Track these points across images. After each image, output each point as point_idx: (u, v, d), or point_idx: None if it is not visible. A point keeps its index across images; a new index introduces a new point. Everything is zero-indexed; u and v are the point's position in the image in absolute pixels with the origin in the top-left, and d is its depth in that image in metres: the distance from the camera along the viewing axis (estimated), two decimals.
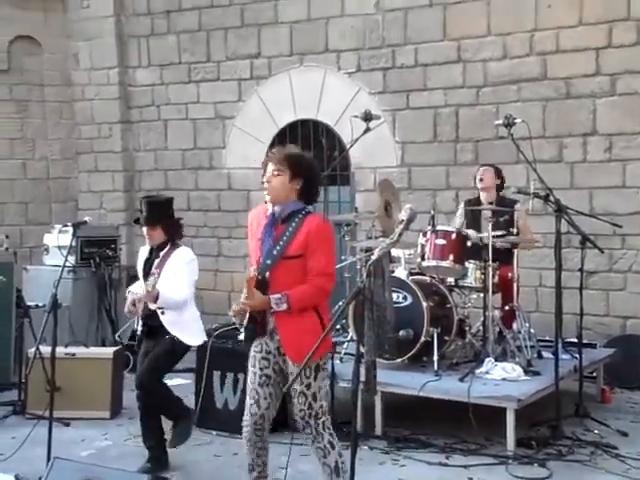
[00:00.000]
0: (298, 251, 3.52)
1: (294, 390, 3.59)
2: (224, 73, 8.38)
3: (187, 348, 4.71)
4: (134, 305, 4.57)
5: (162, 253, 4.64)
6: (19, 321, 6.22)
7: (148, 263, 4.69)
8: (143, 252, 4.79)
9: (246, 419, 3.75)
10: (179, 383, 6.49)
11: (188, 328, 4.65)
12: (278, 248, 3.54)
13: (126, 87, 8.94)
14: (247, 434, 3.76)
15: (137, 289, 4.71)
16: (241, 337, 3.64)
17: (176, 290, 4.50)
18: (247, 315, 3.56)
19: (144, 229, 4.65)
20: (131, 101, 8.95)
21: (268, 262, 3.53)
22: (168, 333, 4.54)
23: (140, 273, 4.75)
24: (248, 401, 3.73)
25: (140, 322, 4.66)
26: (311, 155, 3.90)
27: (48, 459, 3.89)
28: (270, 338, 3.64)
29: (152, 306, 4.48)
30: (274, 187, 3.64)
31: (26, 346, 5.87)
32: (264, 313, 3.58)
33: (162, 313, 4.53)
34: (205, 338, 4.83)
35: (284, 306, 3.49)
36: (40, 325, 4.28)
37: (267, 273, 3.53)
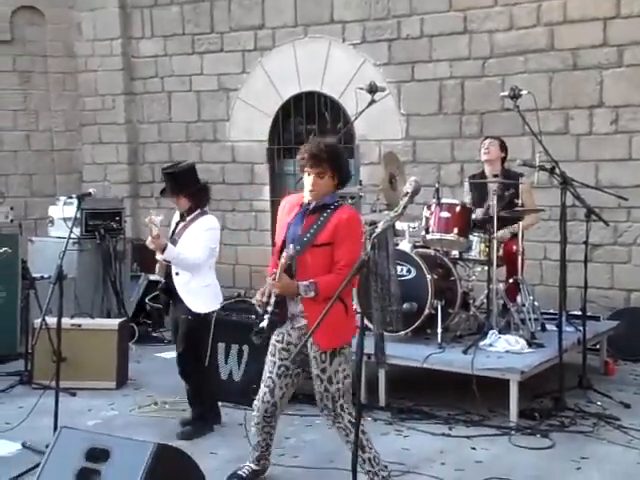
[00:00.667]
0: (327, 239, 3.57)
1: (313, 374, 3.68)
2: (228, 44, 8.32)
3: (205, 315, 4.68)
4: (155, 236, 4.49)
5: (189, 218, 4.68)
6: (25, 292, 6.25)
7: (175, 226, 4.75)
8: (176, 216, 4.84)
9: (257, 405, 3.81)
10: None
11: (198, 294, 4.63)
12: (308, 235, 3.59)
13: (129, 58, 8.89)
14: (256, 418, 3.83)
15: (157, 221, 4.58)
16: (263, 324, 3.62)
17: (190, 251, 4.52)
18: (273, 300, 3.58)
19: (172, 200, 4.69)
20: (134, 72, 8.90)
21: (298, 248, 3.55)
22: (178, 295, 4.57)
23: (169, 235, 4.77)
24: (263, 388, 3.79)
25: (162, 279, 4.71)
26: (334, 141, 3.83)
27: (55, 428, 3.93)
28: (291, 327, 3.69)
29: (159, 257, 4.49)
30: (319, 190, 3.64)
31: (32, 317, 5.91)
32: (285, 300, 3.63)
33: (176, 274, 4.57)
34: (218, 306, 4.81)
35: (312, 293, 3.55)
36: (46, 296, 4.30)
37: (294, 259, 3.56)
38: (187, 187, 4.64)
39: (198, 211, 4.67)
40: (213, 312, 4.75)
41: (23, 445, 4.39)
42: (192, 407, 4.76)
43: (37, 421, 4.50)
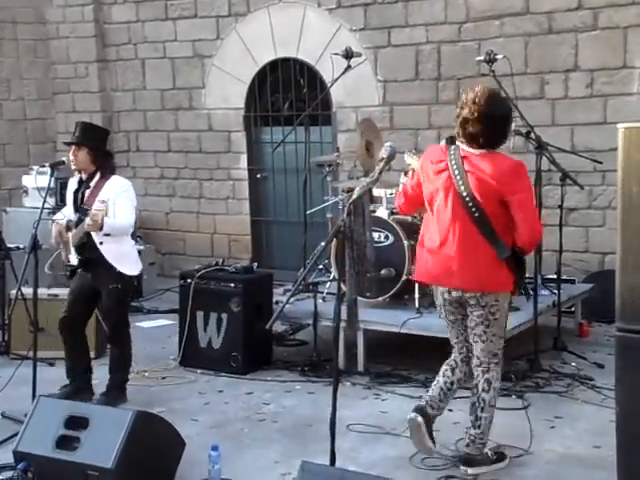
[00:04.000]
0: None
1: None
2: (201, 10, 8.19)
3: (131, 280, 4.69)
4: (60, 235, 4.59)
5: (92, 183, 4.56)
6: (0, 263, 6.20)
7: (77, 194, 4.63)
8: (72, 183, 4.72)
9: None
10: (162, 324, 6.57)
11: (127, 258, 4.63)
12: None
13: (102, 25, 8.73)
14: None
15: (62, 219, 4.69)
16: None
17: (120, 216, 4.46)
18: None
19: (70, 151, 4.55)
20: (107, 39, 8.75)
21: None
22: (108, 264, 4.51)
23: (70, 204, 4.70)
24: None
25: (73, 252, 4.61)
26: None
27: (33, 398, 3.93)
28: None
29: (96, 236, 4.45)
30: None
31: (8, 288, 5.86)
32: None
33: (100, 243, 4.50)
34: (141, 267, 4.82)
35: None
36: (21, 267, 4.27)
37: None
38: (92, 141, 4.55)
39: (99, 176, 4.55)
40: (137, 276, 4.77)
41: (2, 415, 4.39)
42: (113, 374, 4.66)
43: (15, 391, 4.50)
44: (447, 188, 3.59)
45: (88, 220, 4.32)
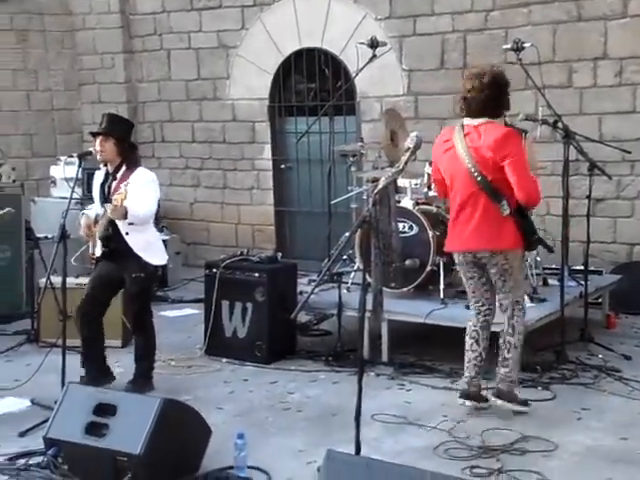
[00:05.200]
0: None
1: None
2: (226, 0, 8.20)
3: (156, 270, 4.73)
4: (89, 228, 4.63)
5: (118, 175, 4.59)
6: (29, 252, 6.29)
7: (104, 187, 4.66)
8: (99, 176, 4.75)
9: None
10: (187, 313, 6.61)
11: (152, 248, 4.66)
12: None
13: (127, 16, 8.78)
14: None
15: (90, 212, 4.75)
16: None
17: (142, 204, 4.47)
18: None
19: (97, 142, 4.57)
20: (133, 30, 8.80)
21: None
22: (134, 254, 4.54)
23: (97, 197, 4.73)
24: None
25: (98, 244, 4.65)
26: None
27: (62, 385, 3.99)
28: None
29: (120, 224, 4.48)
30: None
31: (37, 277, 5.95)
32: None
33: (126, 234, 4.53)
34: (167, 257, 4.85)
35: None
36: (50, 256, 4.32)
37: None
38: (119, 132, 4.58)
39: (125, 168, 4.58)
40: (162, 266, 4.79)
41: (32, 401, 4.45)
42: (139, 363, 4.69)
43: (44, 378, 4.56)
44: (454, 163, 4.03)
45: (110, 206, 4.36)
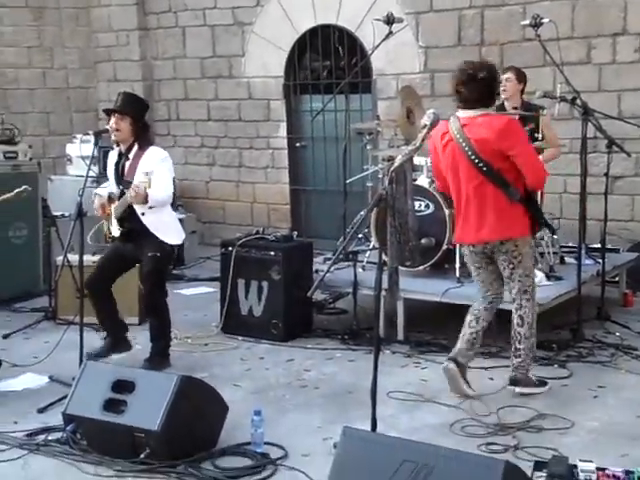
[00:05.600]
0: None
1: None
2: None
3: (172, 250, 4.73)
4: (103, 208, 4.67)
5: (131, 155, 4.60)
6: (46, 230, 6.33)
7: (118, 167, 4.67)
8: (112, 156, 4.76)
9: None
10: (203, 291, 6.64)
11: (169, 228, 4.68)
12: None
13: None
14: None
15: (103, 192, 4.77)
16: None
17: (161, 188, 4.48)
18: None
19: (112, 120, 4.57)
20: (148, 7, 8.77)
21: None
22: (150, 234, 4.56)
23: (111, 177, 4.74)
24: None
25: (115, 224, 4.68)
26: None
27: (80, 362, 4.03)
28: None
29: (138, 207, 4.50)
30: None
31: (54, 255, 6.00)
32: None
33: (142, 214, 4.55)
34: (184, 236, 4.87)
35: None
36: (67, 234, 4.34)
37: None
38: (135, 111, 4.59)
39: (137, 147, 4.58)
40: (178, 246, 4.81)
41: (50, 378, 4.50)
42: (154, 342, 4.71)
43: (63, 355, 4.61)
44: (456, 156, 4.02)
45: (131, 192, 4.37)
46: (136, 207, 4.54)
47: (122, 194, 4.60)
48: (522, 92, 5.82)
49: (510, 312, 4.20)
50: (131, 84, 8.85)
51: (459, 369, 4.15)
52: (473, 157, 3.92)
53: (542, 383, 4.23)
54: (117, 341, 4.80)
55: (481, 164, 3.92)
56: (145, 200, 4.41)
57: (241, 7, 8.21)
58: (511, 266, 4.06)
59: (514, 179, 3.96)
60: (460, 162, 4.00)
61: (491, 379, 4.44)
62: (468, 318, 4.24)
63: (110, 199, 4.71)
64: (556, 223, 5.39)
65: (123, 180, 4.62)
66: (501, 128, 3.91)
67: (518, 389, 4.15)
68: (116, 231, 4.70)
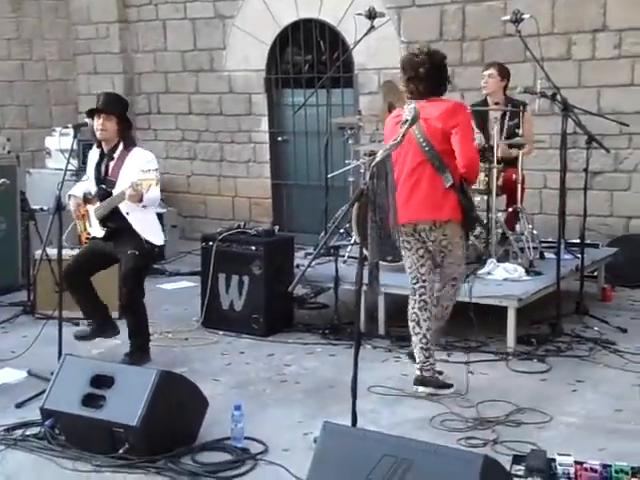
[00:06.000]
0: None
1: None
2: None
3: (152, 249, 4.67)
4: (78, 208, 4.65)
5: (116, 155, 4.57)
6: (24, 224, 6.26)
7: (100, 167, 4.64)
8: (93, 155, 4.72)
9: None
10: (184, 286, 6.62)
11: (152, 226, 4.66)
12: None
13: None
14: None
15: (78, 192, 4.74)
16: None
17: (154, 188, 4.43)
18: None
19: (98, 121, 4.53)
20: None
21: None
22: (133, 232, 4.53)
23: (92, 177, 4.70)
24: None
25: (95, 224, 4.64)
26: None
27: (59, 356, 4.00)
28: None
29: (124, 207, 4.47)
30: None
31: (33, 248, 5.94)
32: None
33: (127, 213, 4.52)
34: (164, 237, 4.83)
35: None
36: (45, 228, 4.30)
37: None
38: (120, 110, 4.57)
39: (122, 147, 4.56)
40: (160, 246, 4.74)
41: (29, 372, 4.47)
42: (132, 339, 4.68)
43: (41, 350, 4.57)
44: (406, 137, 4.09)
45: (130, 191, 4.32)
46: (121, 206, 4.50)
47: (105, 194, 4.56)
48: (505, 88, 5.85)
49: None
50: (111, 77, 8.79)
51: (429, 384, 4.16)
52: (419, 136, 4.04)
53: (447, 385, 4.18)
54: (103, 325, 4.76)
55: (424, 144, 4.03)
56: (140, 199, 4.38)
57: (222, 0, 8.17)
58: (442, 254, 4.16)
59: (453, 166, 4.05)
60: (407, 140, 4.07)
61: (471, 373, 4.46)
62: (410, 325, 4.23)
63: (86, 199, 4.67)
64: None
65: (107, 180, 4.58)
66: (448, 108, 4.05)
67: (422, 389, 4.14)
68: (99, 232, 4.66)
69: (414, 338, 4.20)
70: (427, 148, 4.03)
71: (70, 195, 4.73)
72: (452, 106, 4.08)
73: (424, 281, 4.19)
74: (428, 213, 4.07)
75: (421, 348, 4.15)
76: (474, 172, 4.19)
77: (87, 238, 4.77)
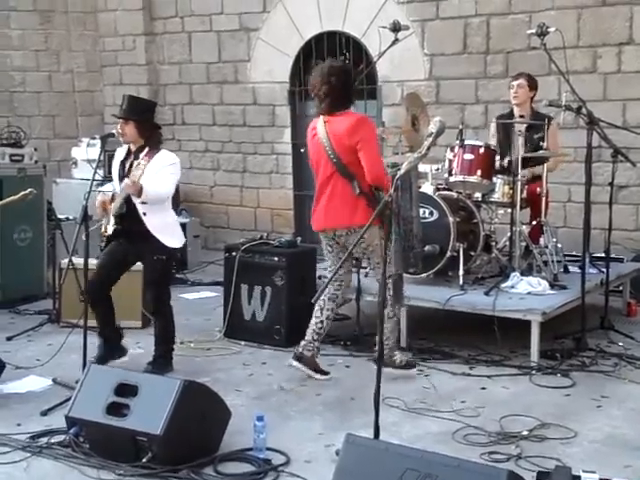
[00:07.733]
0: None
1: None
2: None
3: (175, 252, 4.71)
4: (104, 206, 4.62)
5: (141, 155, 4.57)
6: (51, 233, 6.33)
7: (124, 165, 4.64)
8: (119, 153, 4.73)
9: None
10: (206, 296, 6.65)
11: (170, 230, 4.65)
12: None
13: None
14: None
15: (107, 190, 4.79)
16: None
17: (158, 185, 4.46)
18: None
19: (119, 125, 4.57)
20: (154, 12, 8.81)
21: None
22: (152, 237, 4.52)
23: (115, 174, 4.72)
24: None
25: (111, 222, 4.62)
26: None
27: (84, 365, 4.03)
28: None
29: (139, 204, 4.48)
30: None
31: (59, 258, 6.00)
32: None
33: (144, 214, 4.52)
34: (184, 240, 4.82)
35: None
36: (71, 238, 4.35)
37: None
38: (138, 114, 4.57)
39: (147, 149, 4.57)
40: (180, 248, 4.79)
41: (54, 381, 4.50)
42: (158, 346, 4.70)
43: (66, 358, 4.61)
44: (319, 149, 4.43)
45: (128, 181, 4.36)
46: (138, 207, 4.52)
47: None
48: (532, 100, 5.83)
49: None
50: (137, 88, 8.87)
51: (305, 363, 4.48)
52: (328, 150, 4.32)
53: (409, 364, 4.57)
54: (112, 348, 4.76)
55: (333, 156, 4.31)
56: (139, 193, 4.38)
57: (247, 13, 8.24)
58: (366, 256, 4.51)
59: (360, 175, 4.29)
60: (320, 154, 4.40)
61: (484, 388, 4.43)
62: (315, 308, 4.53)
63: (113, 199, 4.70)
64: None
65: (127, 178, 4.62)
66: (352, 124, 4.27)
67: (296, 363, 4.49)
68: (111, 228, 4.63)
69: (313, 319, 4.55)
70: (335, 160, 4.32)
71: (100, 191, 4.78)
72: (355, 121, 4.30)
73: (341, 281, 4.59)
74: (343, 220, 4.37)
75: (314, 330, 4.53)
76: (381, 184, 4.36)
77: (103, 236, 4.71)
